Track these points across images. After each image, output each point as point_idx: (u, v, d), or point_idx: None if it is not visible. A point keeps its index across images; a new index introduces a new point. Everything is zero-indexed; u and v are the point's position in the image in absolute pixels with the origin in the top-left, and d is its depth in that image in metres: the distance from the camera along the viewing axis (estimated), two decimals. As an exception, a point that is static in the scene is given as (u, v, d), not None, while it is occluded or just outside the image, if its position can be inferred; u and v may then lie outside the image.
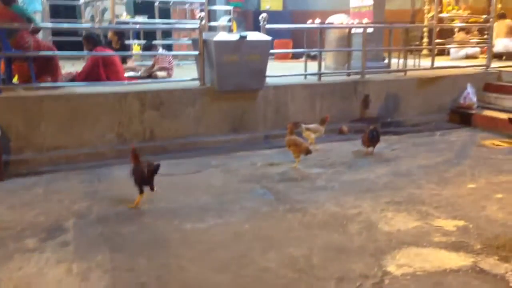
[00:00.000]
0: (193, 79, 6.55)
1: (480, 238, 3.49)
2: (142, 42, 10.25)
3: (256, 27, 7.14)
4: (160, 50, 8.93)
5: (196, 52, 6.50)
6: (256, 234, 3.60)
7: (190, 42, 9.10)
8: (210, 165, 5.44)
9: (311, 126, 6.08)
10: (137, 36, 11.29)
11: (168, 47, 11.63)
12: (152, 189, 4.18)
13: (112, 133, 5.84)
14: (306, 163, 5.41)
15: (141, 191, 4.13)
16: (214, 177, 5.02)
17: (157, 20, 11.41)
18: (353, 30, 7.92)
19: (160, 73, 7.85)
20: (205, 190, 4.59)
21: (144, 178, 4.10)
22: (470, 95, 7.78)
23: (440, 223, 3.77)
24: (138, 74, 8.00)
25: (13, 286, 2.87)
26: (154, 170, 4.12)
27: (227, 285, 2.89)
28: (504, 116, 7.00)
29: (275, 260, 3.18)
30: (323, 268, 3.08)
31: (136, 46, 10.55)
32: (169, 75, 7.98)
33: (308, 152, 5.20)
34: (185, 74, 7.26)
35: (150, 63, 8.59)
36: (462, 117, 7.75)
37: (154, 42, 9.54)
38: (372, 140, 5.79)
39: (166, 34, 12.55)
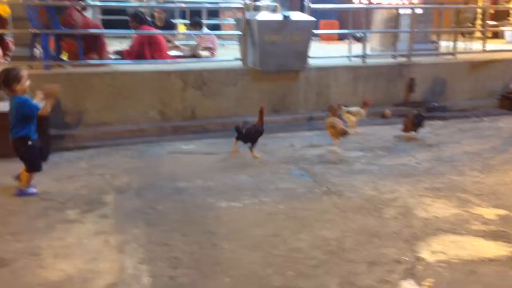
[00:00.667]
0: (236, 59, 6.56)
1: (521, 229, 3.37)
2: (188, 22, 10.30)
3: (302, 7, 7.04)
4: (205, 30, 8.96)
5: (239, 32, 6.49)
6: (289, 215, 3.61)
7: (235, 22, 9.08)
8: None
9: (352, 109, 5.99)
10: (182, 15, 11.34)
11: (214, 27, 11.65)
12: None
13: (154, 111, 5.95)
14: (346, 146, 5.34)
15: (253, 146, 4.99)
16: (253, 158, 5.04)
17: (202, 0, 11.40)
18: (401, 11, 7.69)
19: (204, 53, 7.90)
20: (242, 170, 4.63)
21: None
22: (523, 80, 7.44)
23: (480, 211, 3.65)
24: (182, 53, 8.08)
25: (53, 254, 3.01)
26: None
27: (258, 263, 2.92)
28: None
29: (306, 241, 3.18)
30: (354, 251, 3.06)
31: (181, 26, 10.61)
32: (213, 55, 8.02)
33: (344, 133, 5.11)
34: (229, 54, 7.28)
35: (194, 42, 8.64)
36: (513, 103, 7.43)
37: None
38: (417, 124, 5.65)
39: (212, 13, 12.55)
